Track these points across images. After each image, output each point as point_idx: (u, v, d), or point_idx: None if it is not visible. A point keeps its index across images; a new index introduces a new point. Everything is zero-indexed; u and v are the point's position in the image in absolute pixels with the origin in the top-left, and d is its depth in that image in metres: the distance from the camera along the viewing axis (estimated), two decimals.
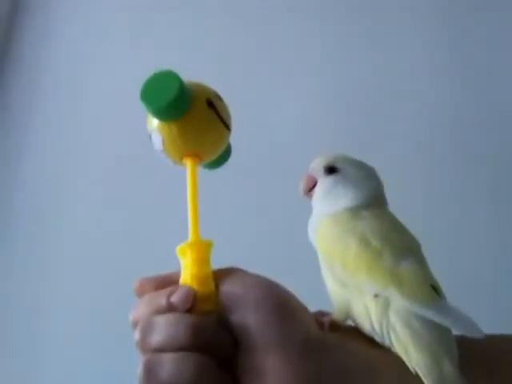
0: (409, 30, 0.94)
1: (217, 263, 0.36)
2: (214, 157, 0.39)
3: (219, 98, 0.38)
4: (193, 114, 0.36)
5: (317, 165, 0.42)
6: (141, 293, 0.35)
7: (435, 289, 0.34)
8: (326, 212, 0.40)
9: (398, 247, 0.36)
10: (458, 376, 0.31)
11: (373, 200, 0.40)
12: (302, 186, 0.42)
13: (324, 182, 0.41)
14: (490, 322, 0.35)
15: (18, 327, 0.98)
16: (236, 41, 1.03)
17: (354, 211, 0.38)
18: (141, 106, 0.35)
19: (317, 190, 0.41)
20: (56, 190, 1.07)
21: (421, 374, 0.32)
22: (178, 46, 1.07)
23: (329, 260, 0.37)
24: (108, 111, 1.05)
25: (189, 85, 0.36)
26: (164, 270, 0.36)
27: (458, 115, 0.87)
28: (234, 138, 0.41)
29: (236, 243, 0.81)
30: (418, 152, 0.87)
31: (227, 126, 0.38)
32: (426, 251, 0.38)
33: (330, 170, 0.41)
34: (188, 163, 0.37)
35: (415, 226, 0.39)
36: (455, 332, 0.34)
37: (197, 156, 0.38)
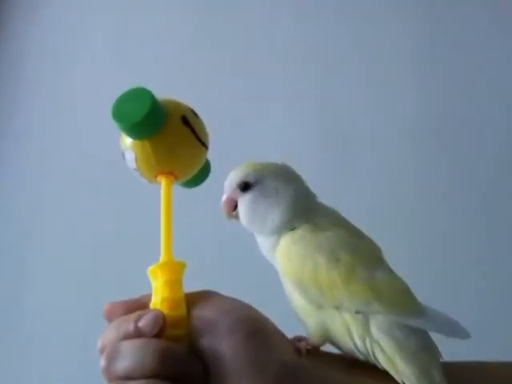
0: (389, 45, 0.94)
1: (192, 284, 0.34)
2: (189, 175, 0.38)
3: (195, 115, 0.37)
4: (167, 131, 0.34)
5: (230, 183, 0.39)
6: (110, 317, 0.33)
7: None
8: (276, 228, 0.37)
9: (368, 257, 0.35)
10: None
11: (306, 202, 0.38)
12: (223, 209, 0.39)
13: (243, 202, 0.38)
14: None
15: None
16: (219, 62, 1.02)
17: (313, 223, 0.36)
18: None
19: (239, 210, 0.39)
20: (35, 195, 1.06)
21: None
22: (161, 55, 1.06)
23: (299, 282, 0.35)
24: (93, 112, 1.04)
25: (163, 101, 0.35)
26: (138, 286, 0.35)
27: (438, 130, 0.87)
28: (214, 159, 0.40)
29: (212, 263, 0.80)
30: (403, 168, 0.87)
31: (203, 144, 0.37)
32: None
33: (245, 186, 0.38)
34: (162, 181, 0.36)
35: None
36: (444, 336, 0.33)
37: (172, 174, 0.36)
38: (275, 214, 0.37)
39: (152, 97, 0.33)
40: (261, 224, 0.38)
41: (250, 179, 0.38)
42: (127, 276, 0.68)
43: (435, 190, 0.84)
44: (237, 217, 0.39)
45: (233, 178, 0.39)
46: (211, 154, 0.39)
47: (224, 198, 0.40)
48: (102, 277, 0.92)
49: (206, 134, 0.38)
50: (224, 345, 0.30)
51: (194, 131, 0.36)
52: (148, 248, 0.38)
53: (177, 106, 0.36)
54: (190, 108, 0.37)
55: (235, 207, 0.39)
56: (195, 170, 0.38)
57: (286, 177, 0.39)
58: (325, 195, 0.41)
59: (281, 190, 0.38)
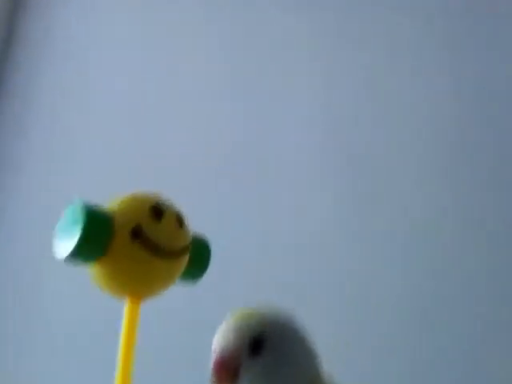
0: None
1: None
2: (158, 293, 0.33)
3: (158, 214, 0.31)
4: (114, 251, 0.29)
5: (236, 340, 0.29)
6: None
7: None
8: None
9: None
10: None
11: (310, 371, 0.31)
12: (217, 377, 0.29)
13: (253, 367, 0.29)
14: None
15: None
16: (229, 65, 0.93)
17: None
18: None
19: (243, 378, 0.29)
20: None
21: None
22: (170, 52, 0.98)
23: None
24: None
25: (110, 213, 0.30)
26: None
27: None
28: None
29: None
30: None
31: (167, 254, 0.31)
32: None
33: (257, 345, 0.29)
34: (126, 305, 0.32)
35: None
36: None
37: (134, 296, 0.32)
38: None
39: (84, 222, 0.28)
40: None
41: (263, 336, 0.29)
42: None
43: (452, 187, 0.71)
44: None
45: (242, 333, 0.29)
46: None
47: (220, 360, 0.29)
48: None
49: (173, 239, 0.31)
50: None
51: (148, 244, 0.30)
52: None
53: (130, 214, 0.30)
54: (152, 206, 0.31)
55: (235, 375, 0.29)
56: (165, 286, 0.33)
57: (297, 336, 0.31)
58: None
59: (294, 354, 0.30)
